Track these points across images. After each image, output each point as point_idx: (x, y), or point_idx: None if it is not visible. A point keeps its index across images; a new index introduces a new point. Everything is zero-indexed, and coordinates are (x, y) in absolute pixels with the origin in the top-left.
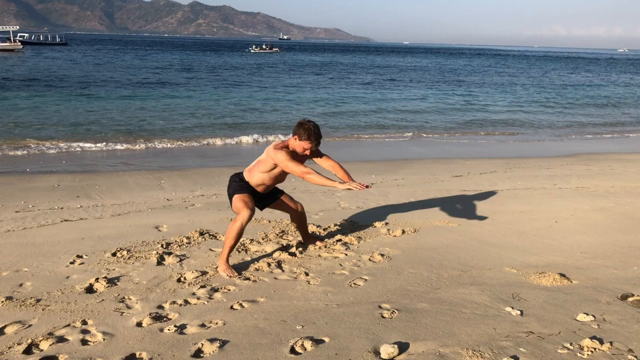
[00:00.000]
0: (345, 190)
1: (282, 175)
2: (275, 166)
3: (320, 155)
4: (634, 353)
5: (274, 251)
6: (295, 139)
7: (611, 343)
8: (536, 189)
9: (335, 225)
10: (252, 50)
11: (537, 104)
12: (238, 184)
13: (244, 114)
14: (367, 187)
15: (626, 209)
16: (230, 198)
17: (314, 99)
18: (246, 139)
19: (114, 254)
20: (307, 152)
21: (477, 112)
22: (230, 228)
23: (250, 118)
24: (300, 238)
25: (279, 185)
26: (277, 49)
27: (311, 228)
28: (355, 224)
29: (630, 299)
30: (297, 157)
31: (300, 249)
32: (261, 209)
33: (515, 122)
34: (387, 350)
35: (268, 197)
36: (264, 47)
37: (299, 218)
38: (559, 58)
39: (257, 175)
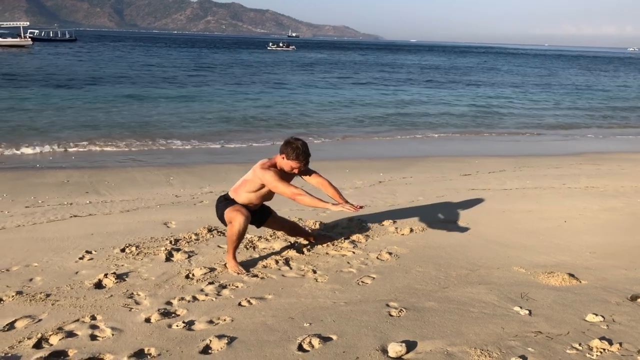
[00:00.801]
0: (353, 190)
1: (270, 194)
2: (263, 186)
3: (309, 172)
4: None
5: (282, 249)
6: (283, 157)
7: (620, 344)
8: (545, 188)
9: (342, 223)
10: (269, 48)
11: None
12: (224, 203)
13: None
14: (360, 207)
15: (636, 209)
16: (222, 218)
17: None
18: None
19: (122, 250)
20: (296, 171)
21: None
22: (229, 234)
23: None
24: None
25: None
26: (293, 47)
27: (317, 226)
28: (362, 222)
29: (639, 300)
30: (286, 176)
31: (308, 246)
32: (257, 226)
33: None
34: (394, 348)
35: (258, 214)
36: (280, 45)
37: (292, 230)
38: (587, 57)
39: (243, 195)
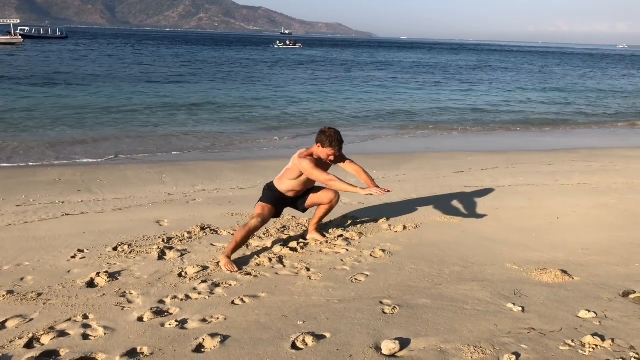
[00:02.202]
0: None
1: (311, 181)
2: (302, 174)
3: (344, 160)
4: (636, 350)
5: (275, 246)
6: (319, 146)
7: (613, 340)
8: (538, 185)
9: (336, 220)
10: (275, 46)
11: None
12: (266, 193)
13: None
14: (388, 191)
15: (628, 205)
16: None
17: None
18: None
19: (115, 249)
20: (332, 158)
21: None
22: (240, 229)
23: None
24: (300, 233)
25: None
26: (300, 44)
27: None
28: (356, 219)
29: (632, 296)
30: (322, 164)
31: (302, 244)
32: (303, 211)
33: None
34: (388, 346)
35: (302, 197)
36: (287, 42)
37: (327, 206)
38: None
39: (286, 183)
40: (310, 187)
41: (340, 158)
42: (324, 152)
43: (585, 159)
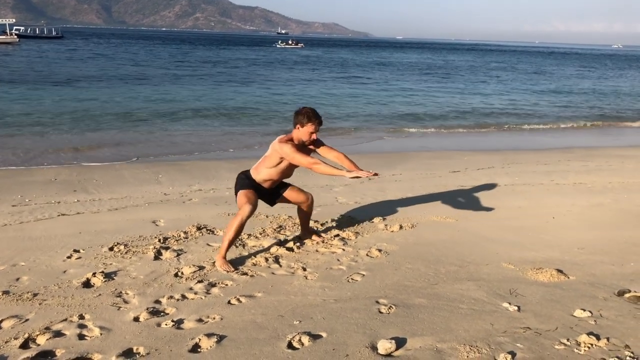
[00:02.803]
0: (344, 187)
1: (289, 169)
2: (282, 160)
3: (324, 146)
4: (631, 349)
5: (272, 246)
6: (298, 128)
7: (608, 339)
8: (534, 184)
9: (332, 220)
10: (278, 46)
11: None
12: (243, 181)
13: None
14: (375, 174)
15: (623, 205)
16: (236, 195)
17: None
18: None
19: (111, 249)
20: (314, 136)
21: None
22: (231, 222)
23: None
24: (297, 233)
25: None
26: (302, 44)
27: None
28: (352, 219)
29: (627, 295)
30: (304, 150)
31: (298, 244)
32: (272, 204)
33: None
34: (384, 345)
35: (275, 192)
36: (289, 42)
37: (306, 211)
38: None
39: (263, 171)
40: (286, 178)
41: (319, 144)
42: (304, 131)
43: (581, 159)
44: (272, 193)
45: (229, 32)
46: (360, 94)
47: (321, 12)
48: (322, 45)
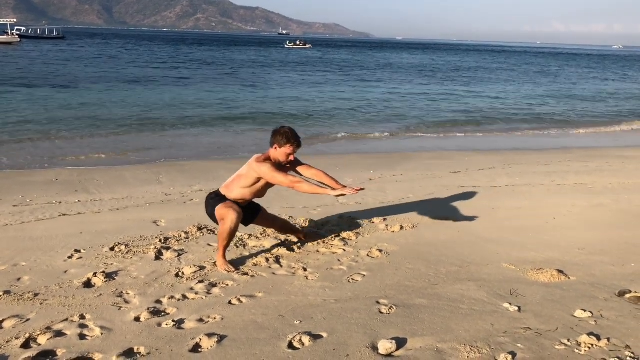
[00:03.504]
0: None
1: (264, 189)
2: (258, 180)
3: (302, 166)
4: (631, 349)
5: (273, 246)
6: (276, 148)
7: (608, 339)
8: (534, 185)
9: (333, 221)
10: (286, 46)
11: None
12: (214, 200)
13: None
14: (361, 189)
15: (624, 205)
16: (212, 216)
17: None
18: None
19: (112, 249)
20: (292, 157)
21: None
22: (220, 231)
23: None
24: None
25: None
26: (309, 44)
27: (308, 223)
28: (353, 219)
29: (627, 296)
30: (282, 169)
31: (299, 244)
32: (245, 224)
33: None
34: (385, 345)
35: (248, 211)
36: (297, 43)
37: (282, 227)
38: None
39: (236, 191)
40: (259, 198)
41: (296, 163)
42: (282, 152)
43: (581, 159)
44: (247, 211)
45: (231, 33)
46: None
47: (322, 12)
48: (330, 45)
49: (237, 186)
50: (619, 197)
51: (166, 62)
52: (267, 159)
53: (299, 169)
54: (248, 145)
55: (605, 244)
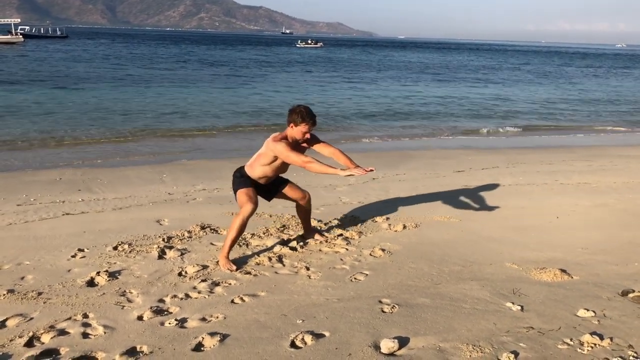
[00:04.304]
0: (347, 186)
1: (284, 167)
2: (276, 158)
3: (318, 141)
4: (634, 349)
5: (275, 245)
6: (292, 126)
7: (611, 339)
8: (538, 184)
9: (336, 220)
10: (298, 45)
11: None
12: (239, 179)
13: None
14: (370, 170)
15: (628, 205)
16: (235, 194)
17: None
18: None
19: (115, 248)
20: (307, 136)
21: None
22: (233, 221)
23: None
24: (301, 232)
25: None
26: (321, 43)
27: (312, 223)
28: (356, 218)
29: (630, 295)
30: (298, 148)
31: (301, 243)
32: (268, 199)
33: None
34: (387, 344)
35: (272, 188)
36: (309, 42)
37: (305, 209)
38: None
39: (258, 169)
40: (281, 174)
41: (315, 140)
42: (298, 131)
43: (585, 159)
44: (269, 189)
45: (235, 32)
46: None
47: (325, 11)
48: (343, 45)
49: (258, 164)
50: (623, 196)
51: (187, 61)
52: (284, 138)
53: (316, 146)
54: None
55: (608, 244)
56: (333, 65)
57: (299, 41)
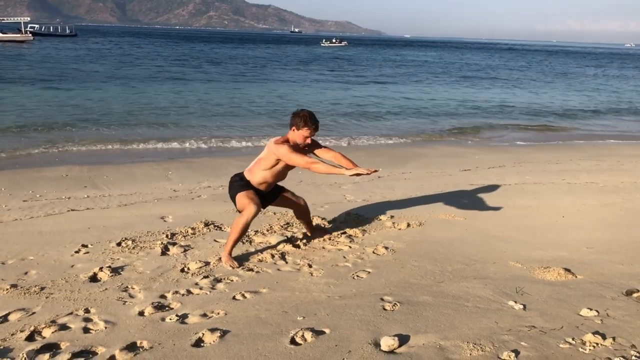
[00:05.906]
0: (352, 184)
1: (284, 171)
2: (278, 162)
3: (319, 147)
4: (637, 349)
5: (278, 243)
6: (294, 130)
7: (614, 338)
8: (544, 183)
9: (340, 217)
10: (323, 44)
11: None
12: (239, 183)
13: None
14: (375, 171)
15: (635, 205)
16: (233, 198)
17: None
18: None
19: (118, 244)
20: (309, 140)
21: None
22: (236, 222)
23: None
24: (304, 230)
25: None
26: (345, 42)
27: (316, 220)
28: (360, 216)
29: (635, 295)
30: (299, 151)
31: (305, 241)
32: (264, 207)
33: None
34: (387, 342)
35: (270, 195)
36: (333, 41)
37: (302, 213)
38: None
39: (258, 174)
40: (280, 181)
41: (316, 145)
42: (299, 135)
43: (594, 158)
44: (267, 196)
45: (244, 31)
46: None
47: (334, 10)
48: (363, 44)
49: (258, 169)
50: (631, 196)
51: (222, 62)
52: (286, 141)
53: (317, 151)
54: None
55: (614, 243)
56: (378, 64)
57: (324, 40)
